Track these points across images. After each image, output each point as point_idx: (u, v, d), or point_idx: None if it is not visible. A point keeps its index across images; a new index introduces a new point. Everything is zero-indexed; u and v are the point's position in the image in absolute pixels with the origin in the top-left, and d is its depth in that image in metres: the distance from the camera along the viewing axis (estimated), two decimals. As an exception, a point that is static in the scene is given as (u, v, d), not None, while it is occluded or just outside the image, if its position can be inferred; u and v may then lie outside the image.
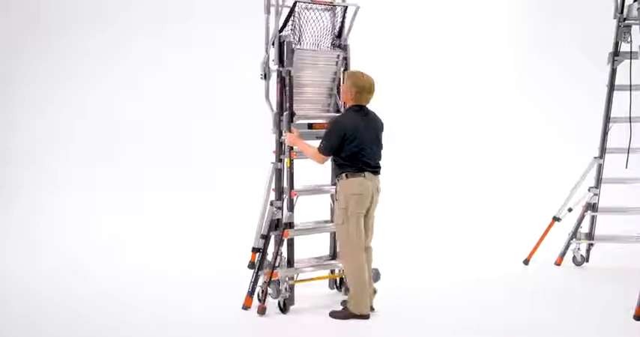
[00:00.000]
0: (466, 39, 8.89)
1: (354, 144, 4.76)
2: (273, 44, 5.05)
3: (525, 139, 8.68)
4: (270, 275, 4.99)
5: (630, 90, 5.92)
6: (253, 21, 8.27)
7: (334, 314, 4.91)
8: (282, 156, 5.14)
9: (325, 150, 4.82)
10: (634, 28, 5.96)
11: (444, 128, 8.61)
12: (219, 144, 8.19)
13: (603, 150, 6.30)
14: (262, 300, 4.98)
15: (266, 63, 5.10)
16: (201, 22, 8.42)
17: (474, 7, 8.92)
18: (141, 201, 7.66)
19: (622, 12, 6.01)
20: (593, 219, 6.47)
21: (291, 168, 5.08)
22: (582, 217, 6.36)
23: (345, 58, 5.33)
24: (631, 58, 6.00)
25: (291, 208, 5.12)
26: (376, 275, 5.31)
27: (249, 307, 5.02)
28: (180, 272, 6.08)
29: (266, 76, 5.12)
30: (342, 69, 5.34)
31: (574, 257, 6.41)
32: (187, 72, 8.36)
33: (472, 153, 8.51)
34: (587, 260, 6.51)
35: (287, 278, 5.07)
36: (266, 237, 5.10)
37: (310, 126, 5.22)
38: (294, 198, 5.11)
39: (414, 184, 8.09)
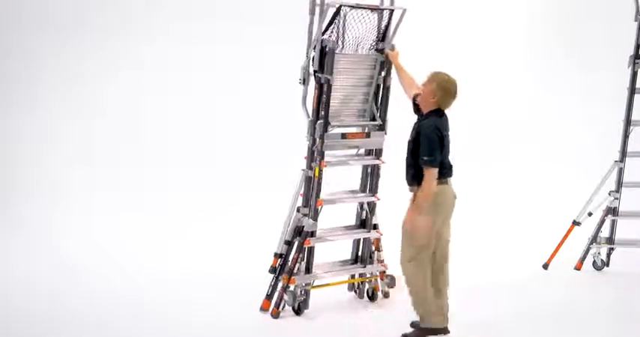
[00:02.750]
0: (487, 39, 8.86)
1: (443, 152, 4.50)
2: (314, 48, 4.85)
3: (546, 142, 8.63)
4: (288, 281, 4.97)
5: (651, 93, 5.89)
6: (254, 21, 8.43)
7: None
8: (312, 164, 4.99)
9: (436, 164, 4.43)
10: (655, 31, 5.92)
11: (463, 129, 8.58)
12: (240, 143, 8.19)
13: (624, 153, 6.24)
14: (278, 305, 4.99)
15: (306, 68, 4.94)
16: (202, 21, 8.43)
17: (493, 7, 8.88)
18: (141, 201, 7.66)
19: (643, 14, 5.98)
20: (613, 224, 6.42)
21: (319, 177, 4.94)
22: (602, 221, 6.31)
23: (383, 63, 5.12)
24: (652, 61, 5.97)
25: (315, 217, 5.00)
26: (391, 281, 5.36)
27: (267, 310, 5.03)
28: (199, 273, 6.04)
29: (305, 81, 4.94)
30: (380, 74, 5.16)
31: (594, 261, 6.36)
32: (210, 71, 8.39)
33: (492, 156, 8.46)
34: (608, 265, 6.46)
35: (304, 284, 5.06)
36: (289, 243, 5.07)
37: (344, 136, 5.03)
38: (319, 207, 5.01)
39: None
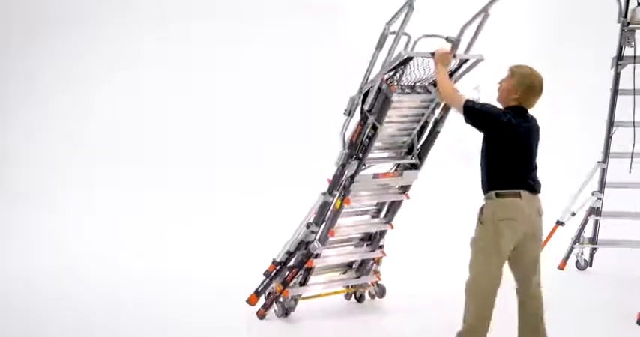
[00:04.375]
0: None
1: (511, 153, 3.85)
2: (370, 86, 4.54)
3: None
4: (281, 292, 4.93)
5: (634, 94, 5.91)
6: (254, 21, 8.43)
7: None
8: (335, 192, 4.77)
9: (469, 104, 3.88)
10: (637, 33, 5.95)
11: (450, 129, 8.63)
12: (221, 143, 8.20)
13: (607, 154, 6.29)
14: (265, 308, 4.99)
15: (355, 100, 4.64)
16: (202, 20, 8.45)
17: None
18: (141, 201, 7.66)
19: (626, 16, 6.01)
20: (596, 224, 6.46)
21: (339, 210, 4.77)
22: (586, 221, 6.35)
23: (438, 103, 4.75)
24: (634, 63, 5.99)
25: (323, 241, 4.85)
26: (382, 291, 5.38)
27: (253, 304, 5.03)
28: (197, 274, 6.09)
29: (350, 113, 4.68)
30: (433, 112, 4.82)
31: (577, 261, 6.40)
32: (188, 71, 8.40)
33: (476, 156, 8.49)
34: (591, 265, 6.50)
35: (296, 295, 5.03)
36: (291, 254, 5.00)
37: (375, 176, 4.79)
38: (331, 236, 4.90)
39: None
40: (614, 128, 6.25)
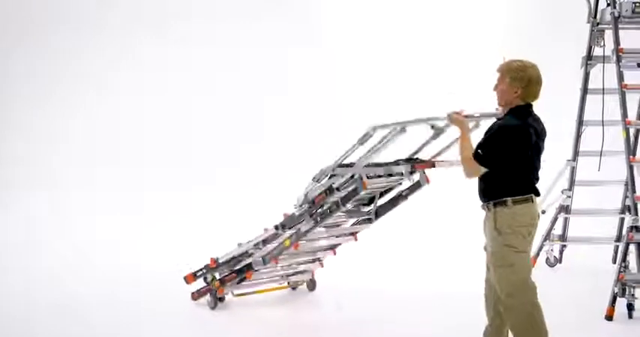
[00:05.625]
0: (439, 41, 9.00)
1: (523, 159, 3.66)
2: None
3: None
4: (217, 289, 5.22)
5: (603, 93, 5.97)
6: (253, 20, 8.52)
7: None
8: (287, 229, 4.99)
9: (484, 160, 3.63)
10: (607, 33, 6.02)
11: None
12: (220, 143, 8.27)
13: (576, 152, 6.36)
14: (200, 294, 5.34)
15: (324, 174, 4.79)
16: (201, 21, 8.51)
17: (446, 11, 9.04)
18: (141, 201, 7.64)
19: (595, 16, 6.07)
20: (566, 221, 6.54)
21: (287, 248, 4.92)
22: (555, 219, 6.43)
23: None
24: (604, 62, 6.04)
25: (266, 263, 5.04)
26: (313, 285, 5.70)
27: (189, 283, 5.39)
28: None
29: (318, 181, 4.82)
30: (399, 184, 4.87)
31: (547, 258, 6.48)
32: (187, 72, 8.52)
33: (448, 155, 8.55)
34: (560, 262, 6.59)
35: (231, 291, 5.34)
36: (234, 259, 5.29)
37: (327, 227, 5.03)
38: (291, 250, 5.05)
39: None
40: (583, 127, 6.32)
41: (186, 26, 8.65)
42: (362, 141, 4.45)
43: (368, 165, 4.53)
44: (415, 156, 4.75)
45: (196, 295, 5.38)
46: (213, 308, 5.29)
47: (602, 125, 6.01)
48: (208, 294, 5.31)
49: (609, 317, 5.01)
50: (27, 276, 6.15)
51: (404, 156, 4.75)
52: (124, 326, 4.96)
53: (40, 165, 8.00)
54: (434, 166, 4.46)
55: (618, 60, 5.67)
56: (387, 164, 4.60)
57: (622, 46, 5.70)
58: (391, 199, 4.88)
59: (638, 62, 5.76)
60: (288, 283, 5.71)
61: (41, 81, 8.42)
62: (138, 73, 8.48)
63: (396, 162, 4.62)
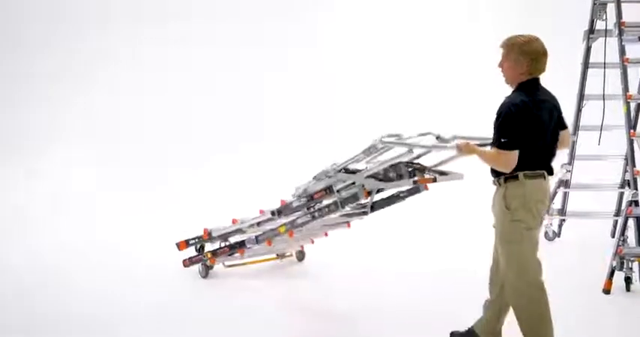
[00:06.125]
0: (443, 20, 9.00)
1: (534, 134, 3.59)
2: None
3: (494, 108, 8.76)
4: (209, 259, 5.44)
5: (604, 68, 5.95)
6: (253, 20, 8.61)
7: None
8: (282, 216, 5.14)
9: (511, 145, 3.54)
10: (609, 6, 5.98)
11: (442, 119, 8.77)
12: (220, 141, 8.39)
13: (577, 127, 6.36)
14: (191, 262, 5.55)
15: (326, 175, 4.92)
16: (201, 21, 8.62)
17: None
18: (139, 200, 7.68)
19: (598, -10, 6.04)
20: (565, 195, 6.56)
21: (281, 234, 5.09)
22: (555, 193, 6.45)
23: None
24: (606, 36, 6.01)
25: (259, 242, 5.24)
26: (302, 256, 5.90)
27: (181, 250, 5.61)
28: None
29: (318, 179, 4.98)
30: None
31: (546, 232, 6.50)
32: (187, 71, 8.67)
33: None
34: (559, 236, 6.62)
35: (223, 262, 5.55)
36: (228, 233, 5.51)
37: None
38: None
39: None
40: (584, 101, 6.31)
41: (186, 26, 8.73)
42: (367, 152, 4.52)
43: (369, 177, 4.59)
44: (416, 162, 4.74)
45: (188, 262, 5.60)
46: (204, 276, 5.52)
47: (603, 99, 6.00)
48: (200, 264, 5.53)
49: (607, 291, 5.05)
50: (28, 243, 6.28)
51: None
52: (116, 292, 5.19)
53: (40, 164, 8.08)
54: (435, 182, 4.45)
55: (620, 33, 5.65)
56: (386, 167, 4.59)
57: (624, 19, 5.67)
58: (388, 197, 4.93)
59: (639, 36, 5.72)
60: (277, 254, 5.89)
61: (40, 80, 8.47)
62: (138, 73, 8.57)
63: (397, 166, 4.60)
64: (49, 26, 8.51)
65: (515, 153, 3.55)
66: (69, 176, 7.78)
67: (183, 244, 5.66)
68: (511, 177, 3.62)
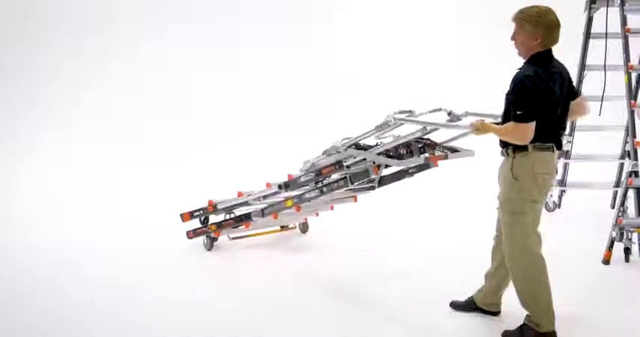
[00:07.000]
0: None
1: (547, 106, 3.54)
2: None
3: (500, 87, 8.70)
4: (213, 232, 5.42)
5: (606, 38, 5.90)
6: (253, 20, 8.59)
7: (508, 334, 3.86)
8: (289, 189, 5.14)
9: (527, 117, 3.48)
10: (611, -24, 5.92)
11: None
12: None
13: (578, 98, 6.33)
14: (195, 234, 5.53)
15: (336, 151, 4.97)
16: (201, 21, 8.66)
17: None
18: (138, 201, 7.68)
19: (599, -41, 5.98)
20: (565, 166, 6.57)
21: (288, 208, 5.08)
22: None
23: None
24: (607, 6, 5.94)
25: (265, 215, 5.21)
26: (305, 228, 5.92)
27: (185, 221, 5.65)
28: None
29: (327, 154, 5.04)
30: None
31: (546, 203, 6.52)
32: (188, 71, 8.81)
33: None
34: (560, 207, 6.64)
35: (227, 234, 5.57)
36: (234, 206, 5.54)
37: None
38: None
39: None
40: (585, 72, 6.27)
41: (186, 26, 8.71)
42: (379, 128, 4.51)
43: (380, 153, 4.57)
44: (426, 137, 4.72)
45: (192, 234, 5.59)
46: (209, 249, 5.51)
47: (605, 70, 5.96)
48: (204, 236, 5.51)
49: (606, 261, 5.09)
50: (30, 224, 6.27)
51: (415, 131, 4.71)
52: (122, 266, 5.17)
53: (42, 162, 8.13)
54: (447, 159, 4.44)
55: (622, 3, 5.60)
56: (398, 144, 4.60)
57: (626, -11, 5.62)
58: (397, 172, 4.87)
59: (641, 6, 5.68)
60: (281, 227, 5.90)
61: (39, 80, 8.45)
62: (138, 72, 8.58)
63: (407, 142, 4.60)
64: (49, 26, 8.50)
65: (532, 125, 3.50)
66: (69, 176, 7.74)
67: (187, 216, 5.67)
68: (520, 148, 3.60)
